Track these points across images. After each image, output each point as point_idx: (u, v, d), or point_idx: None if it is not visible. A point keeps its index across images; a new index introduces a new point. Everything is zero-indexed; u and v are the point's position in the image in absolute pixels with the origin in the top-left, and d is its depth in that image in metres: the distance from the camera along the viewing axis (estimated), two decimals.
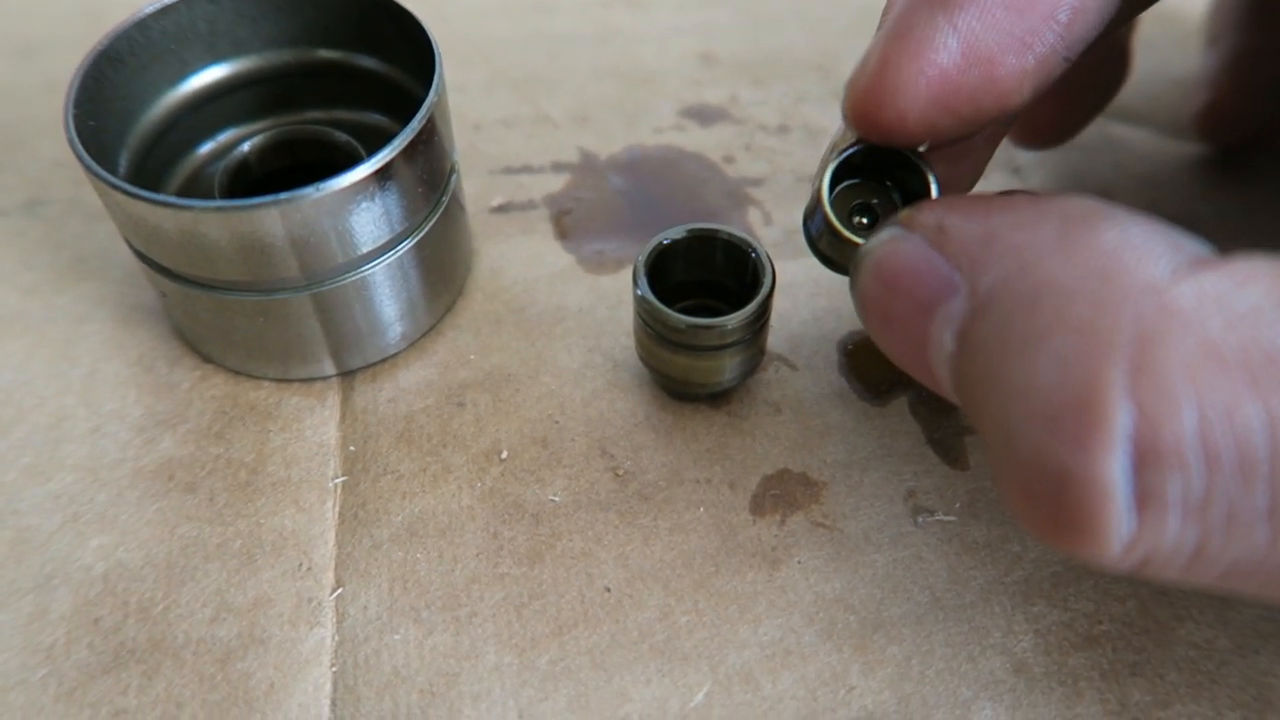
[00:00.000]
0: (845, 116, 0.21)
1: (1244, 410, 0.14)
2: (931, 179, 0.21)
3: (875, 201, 0.22)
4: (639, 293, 0.23)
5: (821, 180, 0.21)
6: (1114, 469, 0.14)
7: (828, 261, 0.22)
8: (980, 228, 0.18)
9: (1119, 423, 0.14)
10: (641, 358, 0.26)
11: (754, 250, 0.24)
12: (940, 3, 0.19)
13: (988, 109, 0.19)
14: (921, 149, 0.21)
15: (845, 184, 0.21)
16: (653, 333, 0.24)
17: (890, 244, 0.19)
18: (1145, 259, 0.16)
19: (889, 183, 0.21)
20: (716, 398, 0.26)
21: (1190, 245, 0.16)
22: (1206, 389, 0.14)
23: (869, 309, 0.20)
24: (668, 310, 0.23)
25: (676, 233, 0.24)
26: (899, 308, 0.19)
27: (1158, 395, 0.14)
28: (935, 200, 0.20)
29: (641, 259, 0.24)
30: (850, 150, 0.21)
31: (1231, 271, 0.15)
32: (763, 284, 0.24)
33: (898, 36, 0.19)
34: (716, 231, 0.25)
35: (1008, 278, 0.17)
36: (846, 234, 0.20)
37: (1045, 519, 0.15)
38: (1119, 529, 0.15)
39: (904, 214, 0.20)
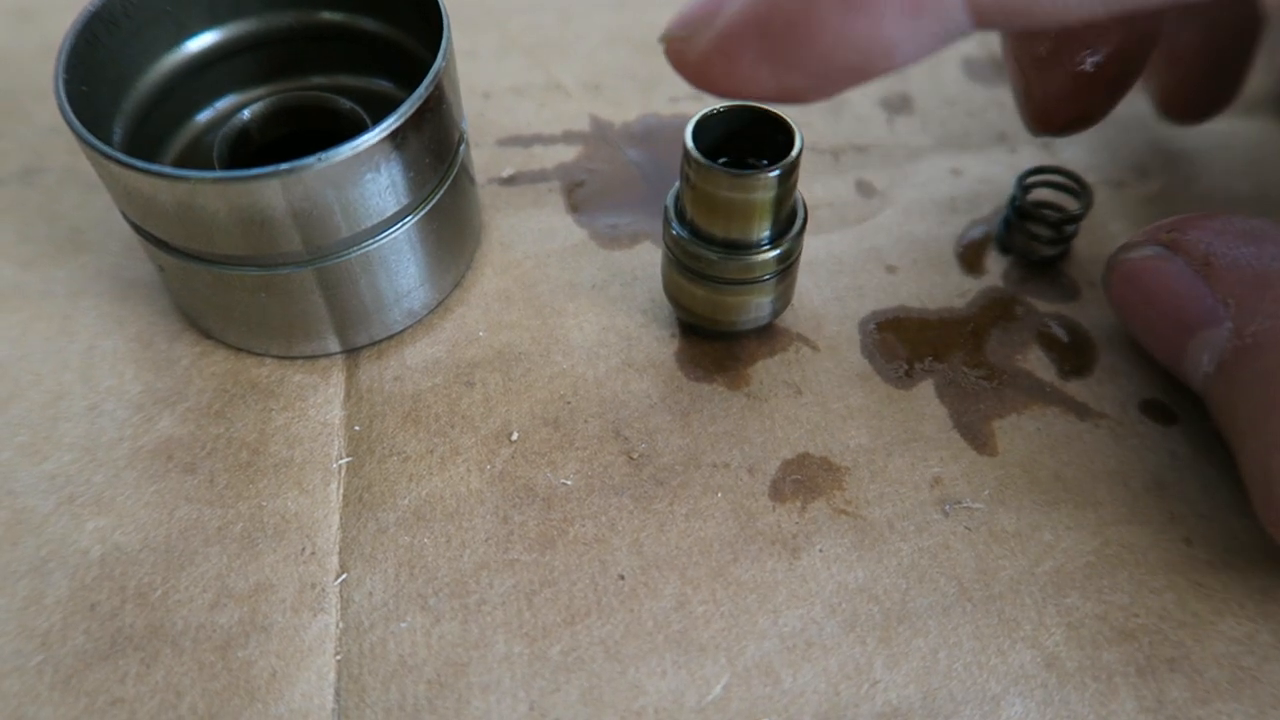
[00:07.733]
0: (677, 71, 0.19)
1: None
2: (797, 136, 0.21)
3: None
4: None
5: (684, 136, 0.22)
6: None
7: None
8: (1252, 272, 0.19)
9: None
10: (667, 290, 0.25)
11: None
12: None
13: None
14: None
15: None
16: (676, 261, 0.24)
17: (1152, 260, 0.21)
18: None
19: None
20: (737, 354, 0.25)
21: None
22: None
23: (1125, 310, 0.23)
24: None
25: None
26: (1157, 321, 0.21)
27: None
28: (1195, 222, 0.21)
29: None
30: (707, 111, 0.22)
31: None
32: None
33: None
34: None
35: (1278, 328, 0.18)
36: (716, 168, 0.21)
37: None
38: None
39: (1166, 233, 0.21)
